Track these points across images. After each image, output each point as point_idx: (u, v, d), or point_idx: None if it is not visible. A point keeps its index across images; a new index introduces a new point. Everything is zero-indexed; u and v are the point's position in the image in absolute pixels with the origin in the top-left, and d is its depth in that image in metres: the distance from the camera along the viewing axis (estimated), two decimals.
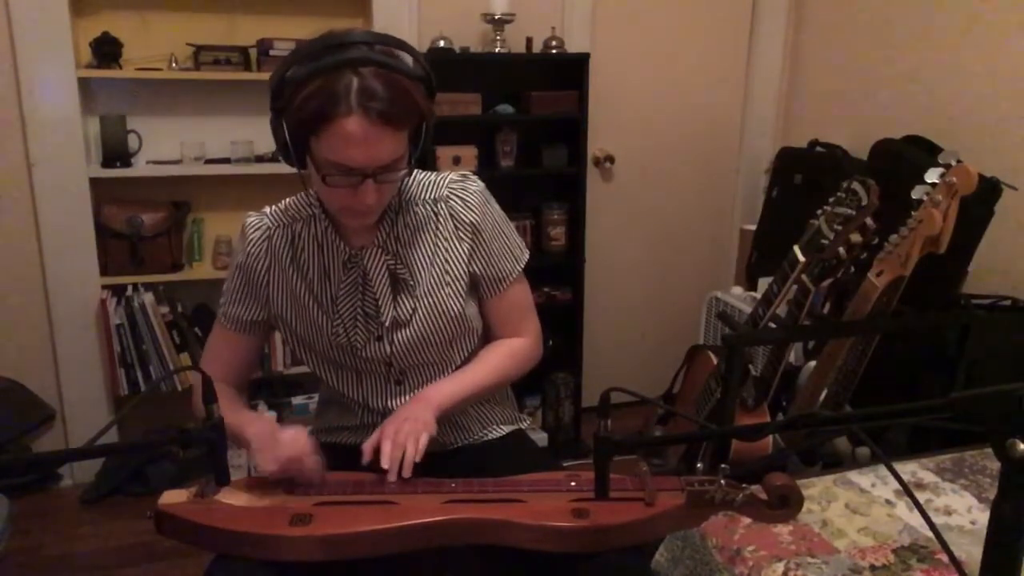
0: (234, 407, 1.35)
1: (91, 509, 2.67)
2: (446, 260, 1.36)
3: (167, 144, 2.77)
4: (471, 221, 1.36)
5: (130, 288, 2.72)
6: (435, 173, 1.39)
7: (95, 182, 2.65)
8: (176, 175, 2.74)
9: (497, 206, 1.41)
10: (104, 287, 2.70)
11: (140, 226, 2.69)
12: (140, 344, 2.68)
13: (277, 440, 1.20)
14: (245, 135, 2.79)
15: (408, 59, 1.20)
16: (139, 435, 2.83)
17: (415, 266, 1.35)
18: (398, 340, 1.36)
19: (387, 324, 1.35)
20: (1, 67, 2.52)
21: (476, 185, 1.38)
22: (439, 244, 1.36)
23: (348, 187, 1.19)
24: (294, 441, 1.19)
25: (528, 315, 1.47)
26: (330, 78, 1.13)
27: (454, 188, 1.36)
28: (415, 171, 1.35)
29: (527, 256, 1.45)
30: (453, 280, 1.37)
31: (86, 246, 2.66)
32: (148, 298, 2.68)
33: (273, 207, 1.38)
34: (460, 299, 1.37)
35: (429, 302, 1.35)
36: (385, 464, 1.19)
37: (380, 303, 1.34)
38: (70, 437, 2.78)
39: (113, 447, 2.31)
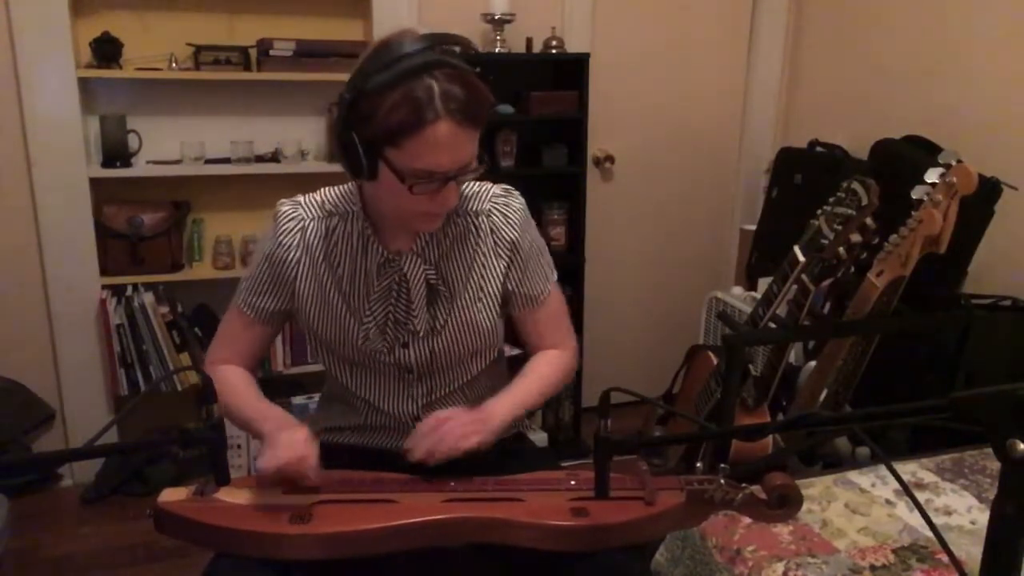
0: (254, 397, 1.34)
1: (91, 509, 2.67)
2: (482, 275, 1.35)
3: (167, 144, 2.77)
4: (512, 239, 1.35)
5: (130, 288, 2.72)
6: (477, 183, 1.37)
7: (95, 182, 2.65)
8: (176, 175, 2.74)
9: (535, 226, 1.41)
10: (104, 287, 2.70)
11: (140, 226, 2.69)
12: (140, 344, 2.68)
13: (277, 442, 1.19)
14: (245, 135, 2.79)
15: (466, 53, 1.20)
16: (139, 435, 2.83)
17: (451, 277, 1.34)
18: (424, 348, 1.34)
19: (420, 333, 1.33)
20: (1, 67, 2.52)
21: (518, 202, 1.37)
22: (477, 259, 1.35)
23: (430, 193, 1.18)
24: (289, 446, 1.17)
25: (564, 327, 1.46)
26: (409, 87, 1.11)
27: (497, 203, 1.35)
28: None
29: (555, 275, 1.44)
30: (487, 296, 1.35)
31: (86, 246, 2.66)
32: (148, 298, 2.68)
33: (308, 196, 1.35)
34: (492, 314, 1.36)
35: (461, 315, 1.34)
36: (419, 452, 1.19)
37: (413, 311, 1.32)
38: (70, 437, 2.78)
39: (113, 447, 2.31)
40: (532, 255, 1.38)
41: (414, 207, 1.21)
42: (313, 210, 1.33)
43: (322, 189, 1.36)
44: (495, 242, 1.35)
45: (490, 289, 1.36)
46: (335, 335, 1.35)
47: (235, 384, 1.35)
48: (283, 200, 1.35)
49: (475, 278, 1.35)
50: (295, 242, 1.32)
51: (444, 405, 1.40)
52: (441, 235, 1.33)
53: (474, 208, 1.34)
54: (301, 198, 1.35)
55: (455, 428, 1.21)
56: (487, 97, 1.19)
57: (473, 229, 1.34)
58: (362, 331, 1.33)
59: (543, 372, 1.40)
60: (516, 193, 1.38)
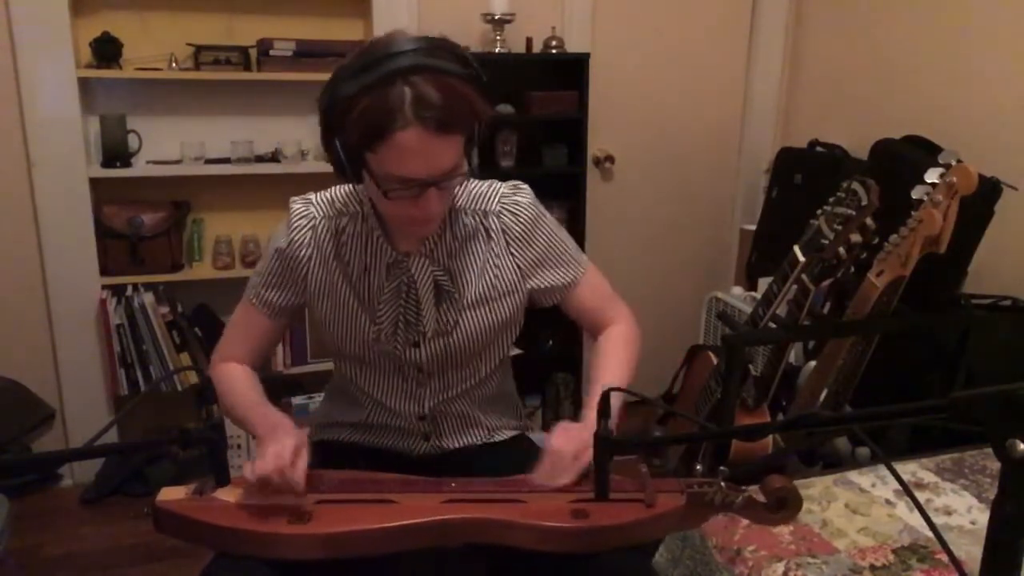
0: (254, 399, 1.33)
1: (91, 509, 2.67)
2: (495, 276, 1.34)
3: (167, 144, 2.77)
4: (524, 237, 1.34)
5: (130, 288, 2.72)
6: (485, 182, 1.36)
7: (95, 182, 2.65)
8: (176, 175, 2.74)
9: (549, 216, 1.39)
10: (104, 287, 2.70)
11: (140, 226, 2.69)
12: (140, 344, 2.68)
13: (263, 452, 1.18)
14: (245, 135, 2.79)
15: (457, 58, 1.17)
16: (139, 435, 2.83)
17: (461, 279, 1.33)
18: (435, 348, 1.34)
19: (428, 334, 1.33)
20: (1, 67, 2.51)
21: (526, 198, 1.36)
22: (489, 260, 1.34)
23: (411, 198, 1.17)
24: (275, 456, 1.15)
25: (610, 302, 1.47)
26: (382, 92, 1.09)
27: (505, 203, 1.34)
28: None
29: (584, 258, 1.42)
30: (501, 296, 1.35)
31: (86, 246, 2.66)
32: (148, 298, 2.68)
33: (319, 195, 1.34)
34: (504, 315, 1.36)
35: (472, 316, 1.34)
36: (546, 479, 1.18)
37: (422, 312, 1.32)
38: (70, 437, 2.78)
39: (113, 447, 2.30)
40: (551, 247, 1.37)
41: (398, 212, 1.20)
42: (323, 208, 1.33)
43: (334, 187, 1.35)
44: (507, 242, 1.34)
45: (504, 289, 1.35)
46: (347, 332, 1.35)
47: (238, 384, 1.35)
48: (295, 198, 1.35)
49: (488, 278, 1.34)
50: (306, 240, 1.32)
51: (452, 405, 1.41)
52: (450, 236, 1.32)
53: (483, 208, 1.34)
54: (313, 196, 1.34)
55: (573, 454, 1.18)
56: (471, 102, 1.16)
57: (483, 230, 1.34)
58: (374, 331, 1.33)
59: (623, 355, 1.43)
60: (525, 188, 1.37)
